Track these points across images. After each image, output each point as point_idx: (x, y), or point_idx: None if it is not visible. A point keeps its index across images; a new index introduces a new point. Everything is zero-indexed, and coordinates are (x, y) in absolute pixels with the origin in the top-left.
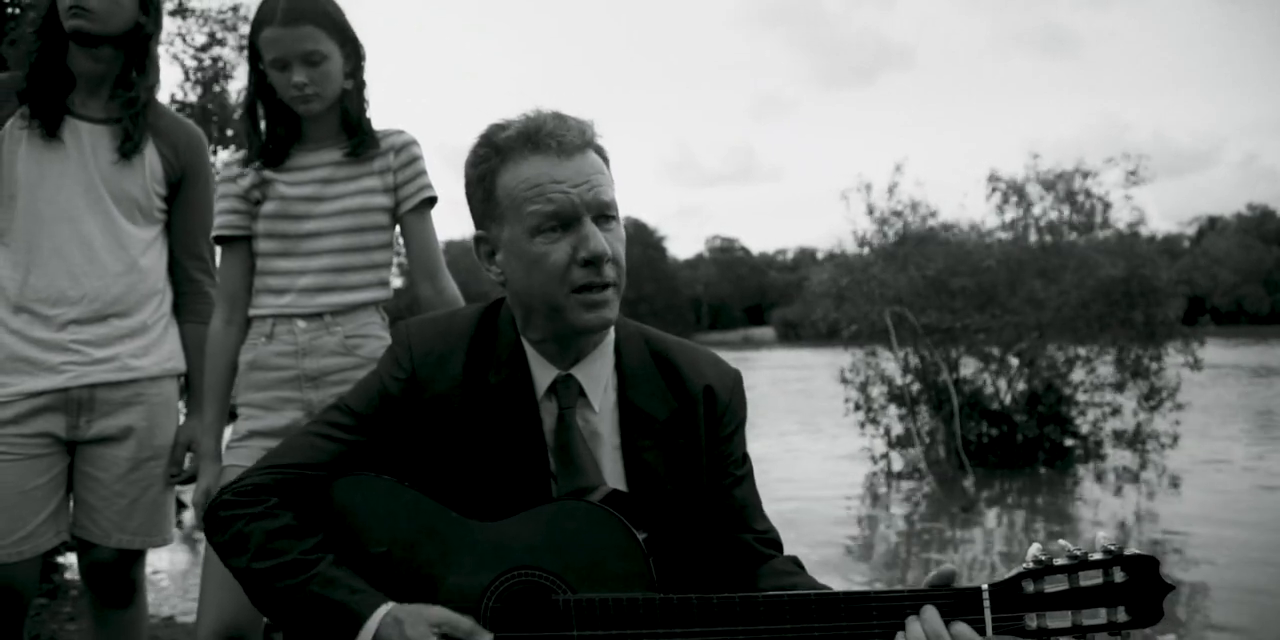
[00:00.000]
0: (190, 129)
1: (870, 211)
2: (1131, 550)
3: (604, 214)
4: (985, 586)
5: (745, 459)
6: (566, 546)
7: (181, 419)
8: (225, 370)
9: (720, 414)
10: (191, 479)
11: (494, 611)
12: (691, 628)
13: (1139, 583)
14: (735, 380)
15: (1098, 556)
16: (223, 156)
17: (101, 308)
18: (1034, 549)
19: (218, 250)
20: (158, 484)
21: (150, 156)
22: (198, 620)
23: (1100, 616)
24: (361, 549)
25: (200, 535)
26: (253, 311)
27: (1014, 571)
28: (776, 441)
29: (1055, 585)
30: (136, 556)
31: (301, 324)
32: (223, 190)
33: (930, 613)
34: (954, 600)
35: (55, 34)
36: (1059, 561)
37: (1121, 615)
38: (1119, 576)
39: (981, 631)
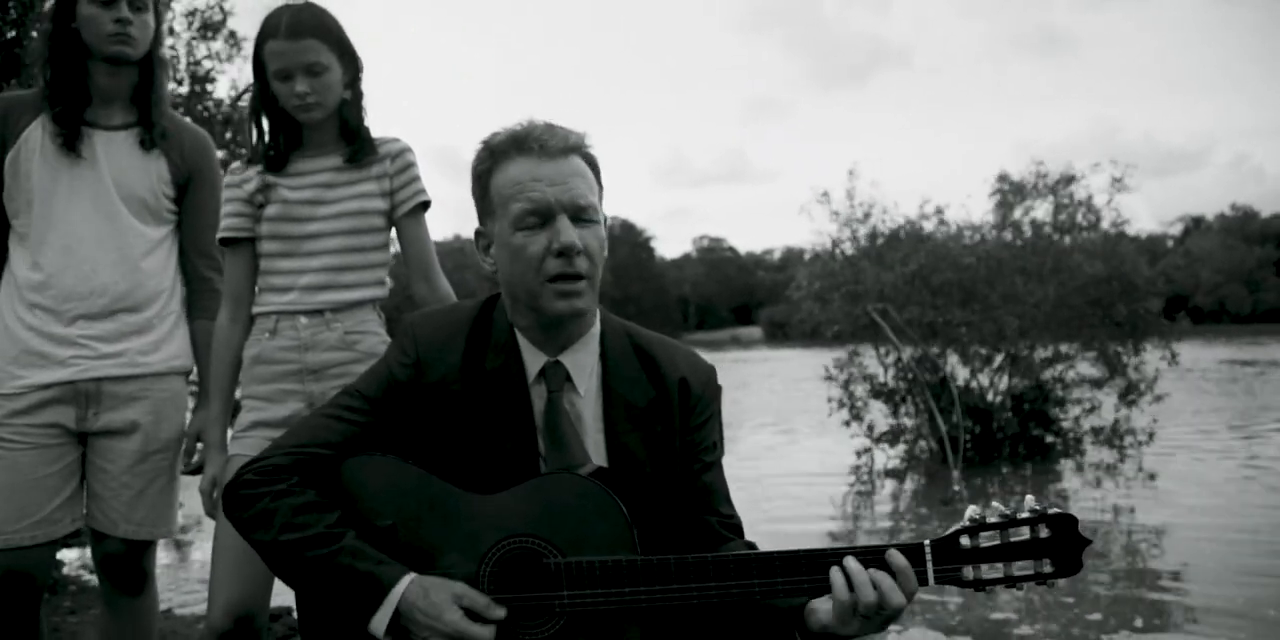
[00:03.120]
0: (196, 132)
1: (835, 216)
2: (1054, 509)
3: (580, 215)
4: (927, 542)
5: (715, 447)
6: (557, 515)
7: (190, 414)
8: (230, 365)
9: (693, 404)
10: (200, 470)
11: (491, 575)
12: (670, 585)
13: (1061, 538)
14: (709, 374)
15: (1025, 515)
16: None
17: (109, 303)
18: (970, 510)
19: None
20: (164, 477)
21: (157, 159)
22: (209, 600)
23: (1028, 568)
24: (370, 523)
25: (187, 537)
26: (256, 309)
27: (952, 529)
28: (763, 439)
29: (989, 541)
30: (146, 547)
31: (303, 320)
32: (228, 195)
33: (850, 560)
34: (901, 554)
35: (74, 53)
36: (992, 519)
37: (1047, 567)
38: (1044, 532)
39: (924, 582)
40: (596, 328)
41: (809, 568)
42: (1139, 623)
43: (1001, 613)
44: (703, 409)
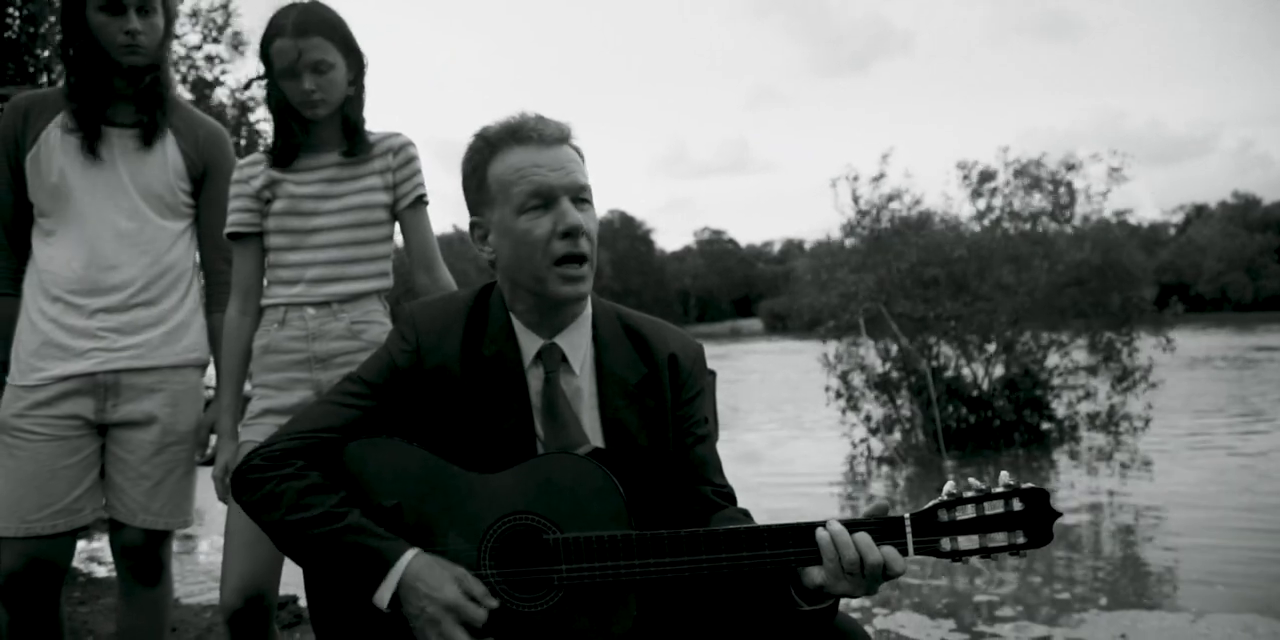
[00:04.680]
0: (209, 125)
1: (855, 201)
2: (1027, 484)
3: (579, 197)
4: (907, 515)
5: (706, 422)
6: (556, 493)
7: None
8: (240, 356)
9: (683, 380)
10: (214, 461)
11: (493, 551)
12: (664, 559)
13: (1033, 511)
14: (697, 351)
15: (999, 490)
16: None
17: (127, 297)
18: (948, 485)
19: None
20: (181, 468)
21: (171, 153)
22: (222, 581)
23: (1003, 539)
24: (374, 503)
25: (188, 531)
26: (265, 301)
27: (931, 502)
28: (762, 430)
29: (965, 514)
30: (164, 538)
31: (311, 311)
32: (235, 190)
33: (834, 524)
34: (882, 527)
35: (93, 56)
36: (968, 494)
37: (1020, 538)
38: (1017, 506)
39: (904, 552)
40: (588, 310)
41: (796, 540)
42: (1104, 601)
43: (984, 595)
44: (692, 384)
